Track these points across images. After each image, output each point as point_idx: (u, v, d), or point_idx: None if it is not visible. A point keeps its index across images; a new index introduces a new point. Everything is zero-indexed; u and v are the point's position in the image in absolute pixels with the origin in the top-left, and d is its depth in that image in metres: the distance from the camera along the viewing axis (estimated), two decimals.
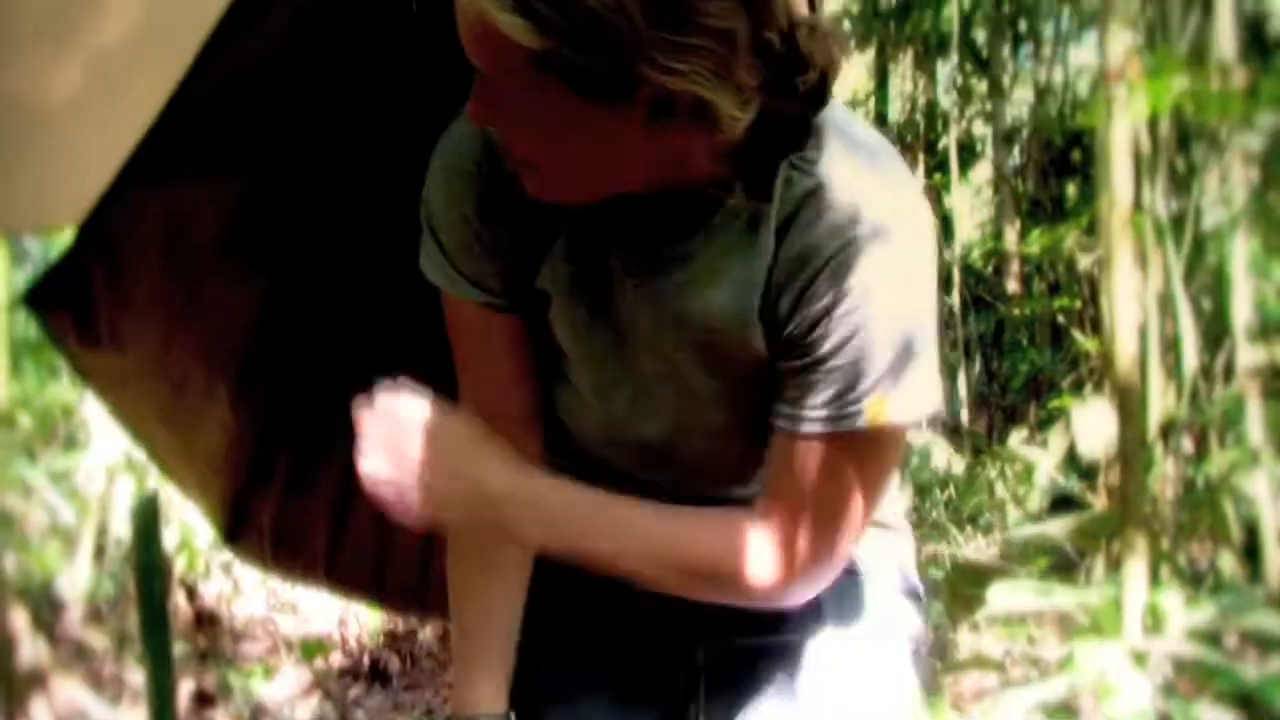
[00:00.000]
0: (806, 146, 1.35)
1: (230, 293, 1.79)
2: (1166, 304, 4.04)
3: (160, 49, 1.67)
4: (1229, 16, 3.59)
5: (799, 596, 1.47)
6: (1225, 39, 3.64)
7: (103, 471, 4.58)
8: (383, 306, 1.77)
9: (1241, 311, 3.84)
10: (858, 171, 1.35)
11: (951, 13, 6.05)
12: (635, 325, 1.43)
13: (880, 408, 1.36)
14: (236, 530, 1.96)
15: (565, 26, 1.16)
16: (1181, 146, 4.35)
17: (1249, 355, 3.85)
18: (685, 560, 1.44)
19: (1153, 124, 3.91)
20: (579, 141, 1.26)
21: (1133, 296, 3.63)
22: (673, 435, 1.50)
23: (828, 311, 1.34)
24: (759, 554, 1.41)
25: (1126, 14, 3.34)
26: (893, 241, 1.33)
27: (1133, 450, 3.60)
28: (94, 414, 4.47)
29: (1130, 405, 3.60)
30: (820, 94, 1.31)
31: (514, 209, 1.41)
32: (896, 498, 1.70)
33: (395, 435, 1.36)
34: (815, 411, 1.38)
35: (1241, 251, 3.74)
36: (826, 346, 1.35)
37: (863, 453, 1.40)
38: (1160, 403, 4.09)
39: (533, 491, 1.41)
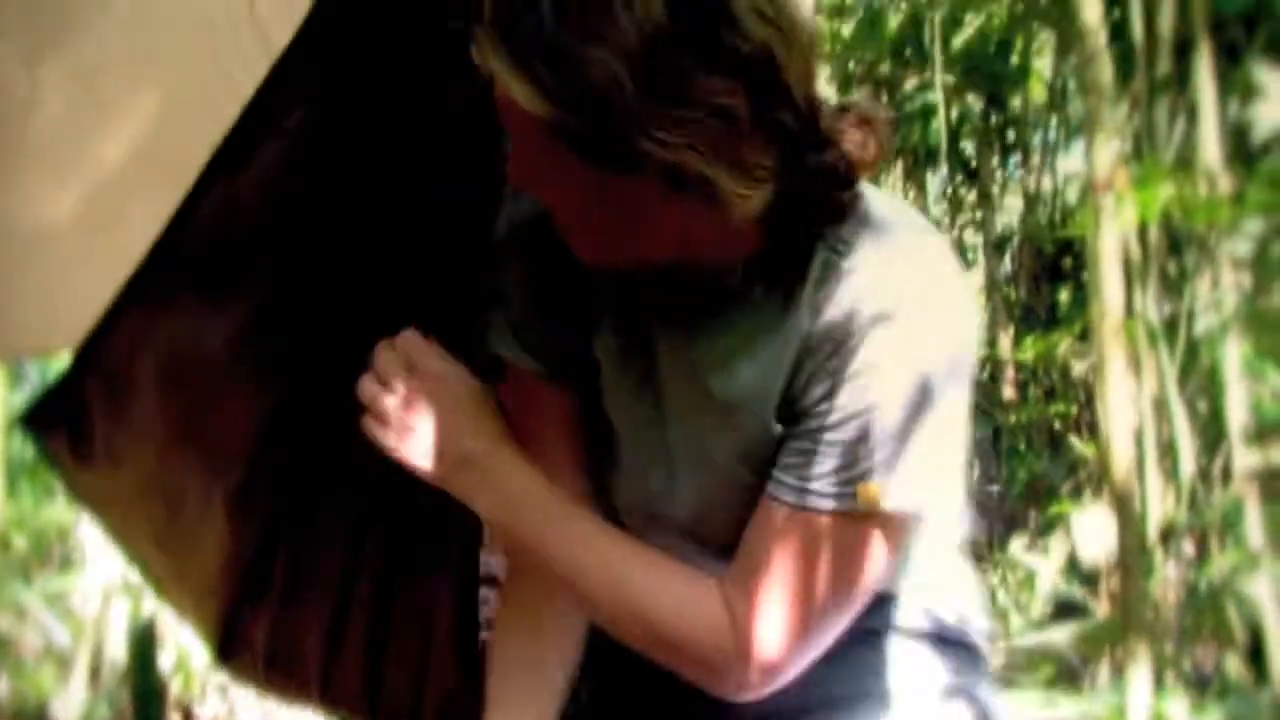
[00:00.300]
0: (845, 228, 1.34)
1: (230, 410, 1.80)
2: (1162, 408, 4.05)
3: (158, 174, 1.70)
4: (1213, 124, 3.65)
5: (754, 681, 1.37)
6: (1210, 146, 3.68)
7: (98, 593, 4.56)
8: None
9: (1236, 414, 3.85)
10: (894, 258, 1.33)
11: (939, 125, 6.14)
12: (671, 397, 1.42)
13: (874, 492, 1.31)
14: (230, 649, 1.95)
15: (567, 96, 1.17)
16: (1173, 251, 4.39)
17: (1245, 458, 3.85)
18: (640, 603, 1.37)
19: (1142, 231, 3.95)
20: (599, 207, 1.27)
21: (1127, 403, 3.64)
22: (702, 515, 1.45)
23: (840, 385, 1.31)
24: (717, 619, 1.36)
25: (1112, 125, 3.38)
26: (922, 331, 1.30)
27: (1132, 556, 3.60)
28: (90, 535, 4.46)
29: (1128, 511, 3.59)
30: (845, 176, 1.30)
31: (571, 279, 1.42)
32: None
33: (400, 374, 1.36)
34: (807, 483, 1.34)
35: (1234, 355, 3.76)
36: (831, 419, 1.32)
37: (849, 538, 1.34)
38: (1159, 507, 4.09)
39: (504, 464, 1.38)
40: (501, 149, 1.38)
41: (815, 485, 1.33)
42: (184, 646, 4.54)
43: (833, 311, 1.32)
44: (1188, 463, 4.10)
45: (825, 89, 6.93)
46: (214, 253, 1.73)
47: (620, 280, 1.41)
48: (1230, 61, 4.04)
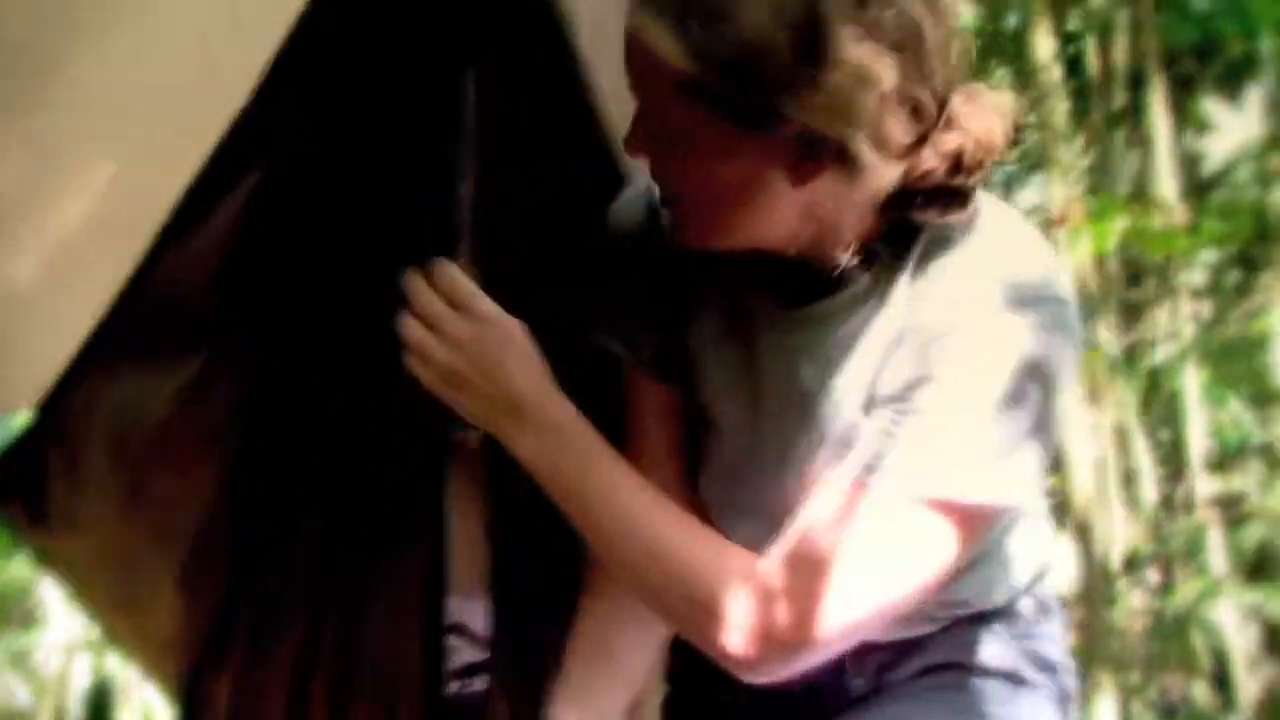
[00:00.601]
0: (951, 219, 1.31)
1: (179, 473, 1.79)
2: (1124, 437, 4.07)
3: (118, 237, 1.69)
4: (1167, 157, 3.68)
5: (776, 656, 1.29)
6: (1165, 179, 3.72)
7: (60, 650, 4.52)
8: (344, 477, 1.77)
9: (1198, 442, 3.88)
10: (997, 253, 1.32)
11: None
12: (768, 388, 1.40)
13: (947, 483, 1.25)
14: (193, 709, 1.94)
15: (716, 51, 1.19)
16: (1132, 282, 4.42)
17: (1207, 485, 3.87)
18: (666, 558, 1.31)
19: (1100, 263, 3.98)
20: (724, 173, 1.27)
21: (1088, 435, 3.66)
22: (792, 511, 1.37)
23: (931, 375, 1.27)
24: (743, 586, 1.29)
25: (1067, 160, 3.41)
26: (1021, 329, 1.26)
27: (1096, 587, 3.61)
28: (52, 593, 4.43)
29: (1090, 543, 3.61)
30: (971, 162, 1.29)
31: (670, 271, 1.43)
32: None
33: (443, 311, 1.32)
34: (882, 466, 1.27)
35: (1193, 383, 3.79)
36: (917, 406, 1.27)
37: (915, 526, 1.27)
38: (1123, 535, 4.10)
39: (552, 409, 1.34)
40: (459, 215, 1.39)
41: (891, 468, 1.27)
42: (148, 703, 4.52)
43: (932, 303, 1.30)
44: (1150, 491, 4.12)
45: None
46: (164, 314, 1.72)
47: (721, 267, 1.40)
48: (1184, 94, 4.08)
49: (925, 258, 1.32)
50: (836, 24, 1.21)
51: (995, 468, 1.25)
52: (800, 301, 1.37)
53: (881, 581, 1.28)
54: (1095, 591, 3.53)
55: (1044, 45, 3.23)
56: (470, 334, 1.32)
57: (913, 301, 1.31)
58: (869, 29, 1.22)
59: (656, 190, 1.36)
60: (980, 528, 1.30)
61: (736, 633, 1.29)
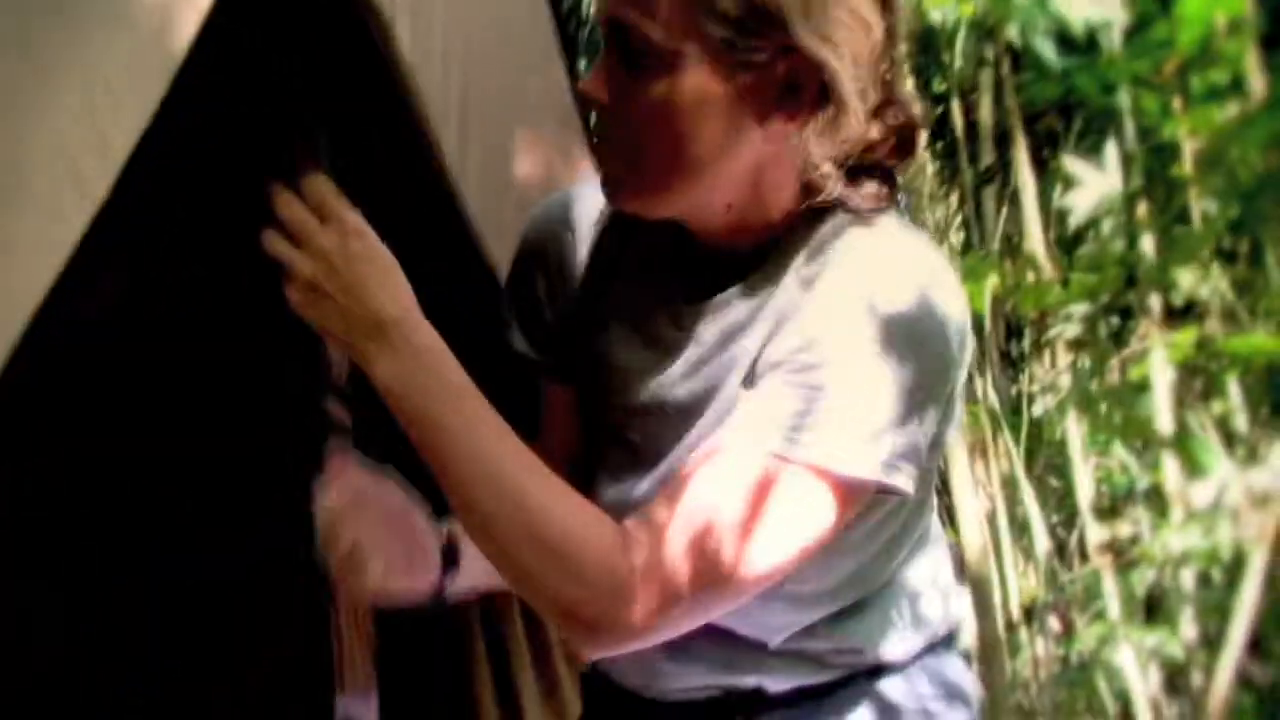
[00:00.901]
0: (869, 206, 1.35)
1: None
2: (1012, 489, 4.13)
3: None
4: (1034, 213, 3.76)
5: (640, 620, 1.24)
6: (1034, 234, 3.79)
7: None
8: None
9: (1085, 490, 3.93)
10: (887, 244, 1.35)
11: None
12: (665, 383, 1.42)
13: (816, 447, 1.24)
14: None
15: None
16: (1012, 335, 4.49)
17: (1098, 531, 3.93)
18: (531, 503, 1.23)
19: (976, 319, 4.04)
20: (700, 111, 1.27)
21: (975, 489, 3.71)
22: None
23: (809, 345, 1.28)
24: (612, 540, 1.24)
25: (935, 223, 3.48)
26: (902, 313, 1.27)
27: (992, 640, 3.64)
28: None
29: (984, 596, 3.65)
30: (907, 143, 1.36)
31: (586, 277, 1.47)
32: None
33: (309, 221, 1.23)
34: (752, 427, 1.28)
35: (1075, 433, 3.85)
36: (790, 372, 1.28)
37: (784, 488, 1.25)
38: (1020, 586, 4.15)
39: (416, 333, 1.26)
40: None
41: (761, 429, 1.27)
42: None
43: (818, 285, 1.32)
44: (1042, 540, 4.17)
45: None
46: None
47: (633, 259, 1.45)
48: (1051, 149, 4.17)
49: (820, 248, 1.35)
50: None
51: (872, 446, 1.25)
52: (702, 294, 1.39)
53: (752, 543, 1.25)
54: (991, 646, 3.55)
55: None
56: (335, 245, 1.24)
57: (801, 282, 1.34)
58: None
59: (593, 168, 1.39)
60: (854, 503, 1.29)
61: (588, 591, 1.24)
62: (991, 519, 4.06)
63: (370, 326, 1.24)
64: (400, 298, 1.26)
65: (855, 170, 1.34)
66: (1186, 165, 2.57)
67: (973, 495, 3.62)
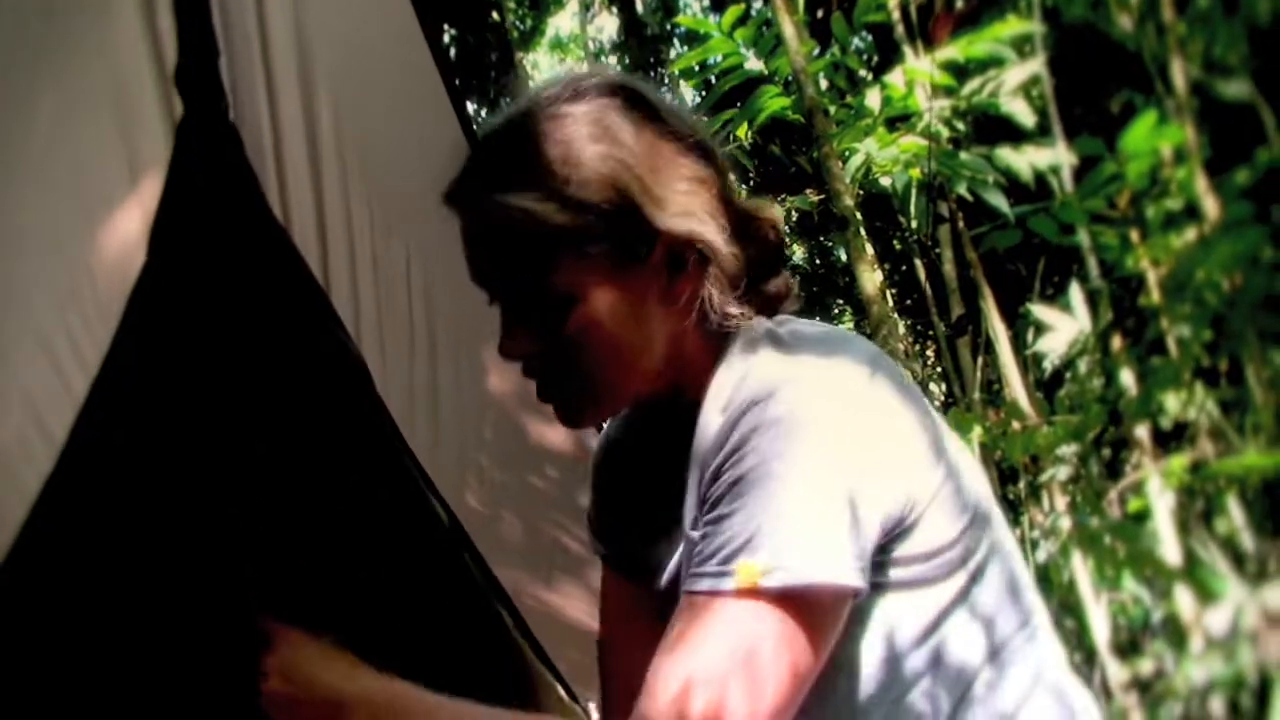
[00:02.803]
0: (760, 323, 1.48)
1: None
2: None
3: None
4: (1011, 362, 3.78)
5: None
6: (1014, 382, 3.82)
7: None
8: None
9: (1101, 630, 3.89)
10: (781, 358, 1.40)
11: None
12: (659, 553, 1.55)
13: (751, 570, 1.26)
14: None
15: (587, 197, 1.32)
16: (1008, 480, 4.48)
17: (1119, 670, 3.87)
18: None
19: None
20: (611, 326, 1.37)
21: None
22: None
23: (721, 471, 1.31)
24: None
25: (914, 376, 3.50)
26: (791, 409, 1.30)
27: None
28: None
29: None
30: (771, 259, 1.50)
31: (640, 491, 1.61)
32: None
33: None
34: (693, 569, 1.32)
35: (1083, 573, 3.82)
36: (712, 506, 1.32)
37: (744, 620, 1.26)
38: None
39: (363, 687, 1.40)
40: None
41: (700, 569, 1.30)
42: None
43: (726, 416, 1.36)
44: None
45: None
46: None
47: (633, 470, 1.62)
48: (1018, 294, 4.21)
49: (725, 374, 1.42)
50: (660, 137, 1.38)
51: (792, 552, 1.27)
52: (654, 459, 1.56)
53: (738, 682, 1.25)
54: None
55: (869, 282, 3.34)
56: (272, 660, 1.41)
57: (718, 423, 1.38)
58: (678, 137, 1.40)
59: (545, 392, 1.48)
60: (814, 609, 1.29)
61: None
62: None
63: (333, 708, 1.40)
64: (343, 670, 1.43)
65: (748, 291, 1.47)
66: (1154, 294, 2.60)
67: None
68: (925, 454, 1.38)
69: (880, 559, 1.35)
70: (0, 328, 1.59)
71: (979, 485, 1.45)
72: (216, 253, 1.65)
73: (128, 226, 1.67)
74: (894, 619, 1.38)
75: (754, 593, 1.26)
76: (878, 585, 1.35)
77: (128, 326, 1.65)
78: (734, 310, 1.44)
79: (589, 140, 1.34)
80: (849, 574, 1.29)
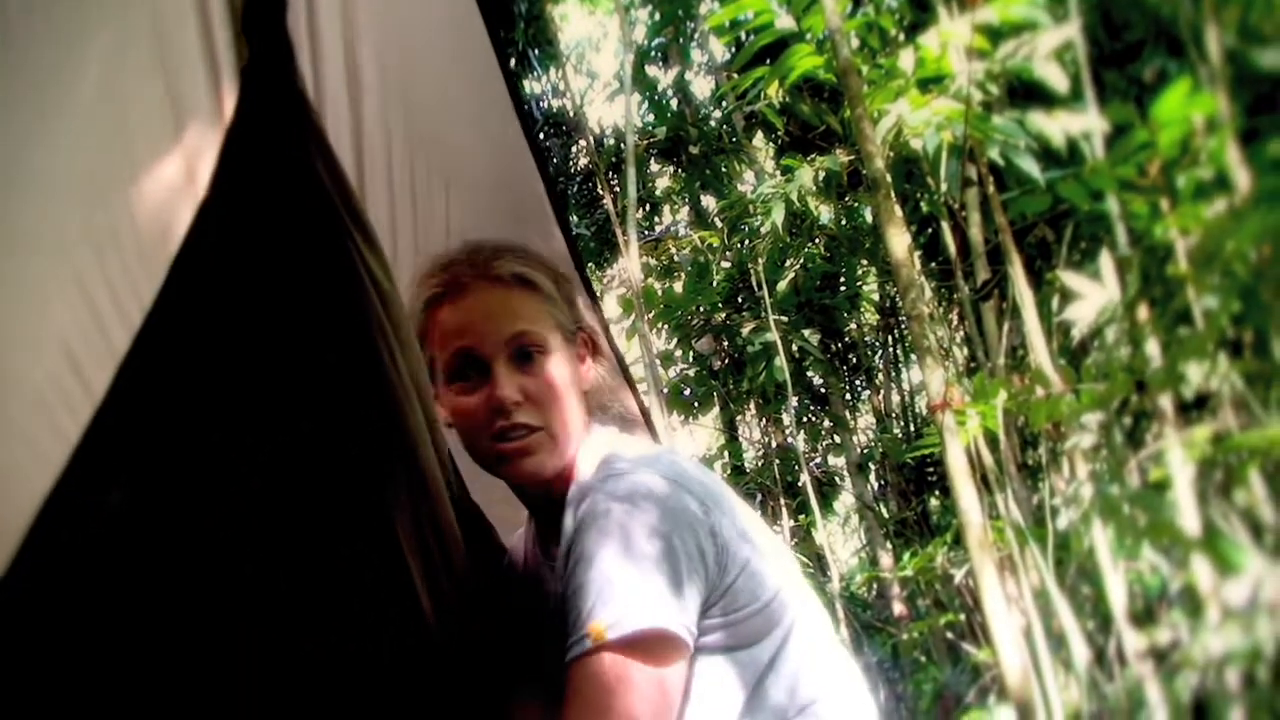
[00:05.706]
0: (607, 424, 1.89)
1: None
2: (1046, 602, 4.08)
3: None
4: (1037, 328, 3.77)
5: None
6: (1039, 349, 3.81)
7: None
8: None
9: (1118, 597, 3.90)
10: (618, 454, 1.76)
11: (781, 362, 6.26)
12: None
13: (600, 628, 1.55)
14: None
15: (561, 291, 1.88)
16: (1029, 446, 4.48)
17: (1135, 638, 3.89)
18: None
19: (992, 437, 4.04)
20: (572, 381, 1.84)
21: (1008, 607, 3.68)
22: None
23: (568, 553, 1.64)
24: None
25: (938, 347, 3.50)
26: (613, 491, 1.64)
27: None
28: None
29: (1029, 714, 3.60)
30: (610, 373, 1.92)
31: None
32: None
33: None
34: (564, 641, 1.61)
35: (1102, 541, 3.83)
36: (566, 585, 1.62)
37: (606, 675, 1.53)
38: (1062, 699, 4.08)
39: None
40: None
41: (568, 643, 1.61)
42: None
43: (577, 512, 1.69)
44: (1080, 650, 4.11)
45: (665, 343, 7.06)
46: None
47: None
48: (1045, 260, 4.19)
49: (589, 470, 1.80)
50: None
51: (622, 606, 1.55)
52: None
53: None
54: None
55: (898, 244, 3.34)
56: None
57: (573, 507, 1.71)
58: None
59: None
60: (660, 658, 1.57)
61: None
62: (1028, 635, 4.01)
63: None
64: None
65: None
66: (1182, 264, 2.60)
67: (1006, 612, 3.58)
68: (734, 534, 1.75)
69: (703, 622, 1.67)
70: (40, 271, 1.59)
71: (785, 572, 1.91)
72: (277, 200, 1.66)
73: (170, 173, 1.68)
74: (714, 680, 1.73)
75: (605, 647, 1.56)
76: (699, 647, 1.67)
77: (180, 270, 1.65)
78: (612, 388, 1.93)
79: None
80: (677, 622, 1.61)
